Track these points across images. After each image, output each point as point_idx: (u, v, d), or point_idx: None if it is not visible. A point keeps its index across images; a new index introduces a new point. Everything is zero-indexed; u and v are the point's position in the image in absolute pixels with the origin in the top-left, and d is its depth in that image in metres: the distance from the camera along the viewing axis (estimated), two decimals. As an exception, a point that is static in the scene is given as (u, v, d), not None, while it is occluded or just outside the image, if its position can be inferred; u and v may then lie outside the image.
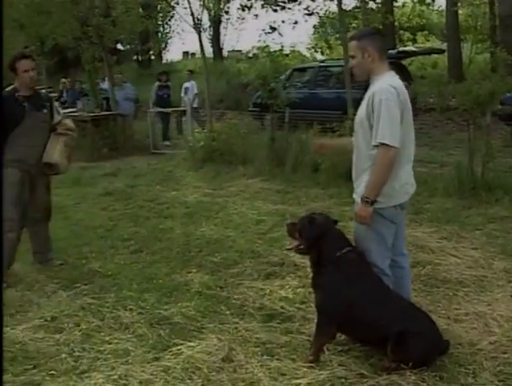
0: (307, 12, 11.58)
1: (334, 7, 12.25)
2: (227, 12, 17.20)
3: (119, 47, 30.28)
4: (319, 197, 8.43)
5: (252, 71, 23.46)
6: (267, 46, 11.16)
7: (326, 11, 11.93)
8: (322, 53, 35.70)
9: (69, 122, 6.08)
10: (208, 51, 15.16)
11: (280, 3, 11.69)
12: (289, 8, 11.79)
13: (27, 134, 5.57)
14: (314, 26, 39.77)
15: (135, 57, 35.48)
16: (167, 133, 15.68)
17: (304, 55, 33.32)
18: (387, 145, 3.60)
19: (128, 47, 33.11)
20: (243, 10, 12.90)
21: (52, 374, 3.86)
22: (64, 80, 18.85)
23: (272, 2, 11.67)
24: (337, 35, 39.12)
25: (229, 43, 55.61)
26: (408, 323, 3.64)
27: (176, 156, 12.75)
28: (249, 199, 8.52)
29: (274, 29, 11.99)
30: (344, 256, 3.83)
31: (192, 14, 12.10)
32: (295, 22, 12.08)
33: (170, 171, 11.35)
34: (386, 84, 3.72)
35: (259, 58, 31.02)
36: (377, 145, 3.64)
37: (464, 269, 5.38)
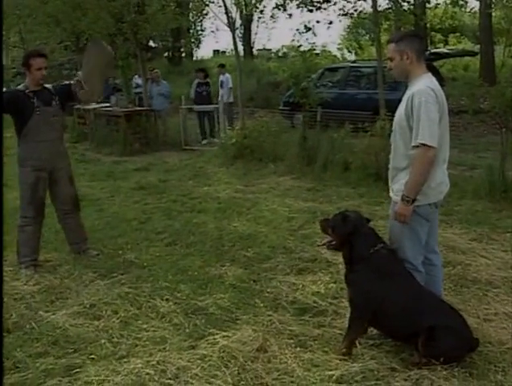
0: (342, 13, 11.61)
1: (367, 8, 12.23)
2: (262, 11, 17.13)
3: (150, 43, 30.50)
4: (349, 196, 8.49)
5: (282, 70, 23.54)
6: (300, 45, 11.24)
7: (360, 12, 11.92)
8: (356, 53, 35.68)
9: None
10: (239, 49, 15.07)
11: (316, 3, 11.73)
12: (324, 8, 11.85)
13: (38, 129, 5.70)
14: (348, 27, 39.79)
15: (166, 54, 35.71)
16: (203, 130, 15.49)
17: (334, 55, 33.35)
18: (427, 145, 3.70)
19: (159, 43, 33.38)
20: (278, 10, 12.95)
21: (92, 358, 4.02)
22: None
23: (308, 2, 11.73)
24: (367, 36, 39.24)
25: (259, 41, 55.66)
26: (439, 319, 3.73)
27: (207, 152, 12.89)
28: (280, 196, 8.63)
29: (309, 29, 12.04)
30: (376, 252, 3.93)
31: (227, 13, 12.23)
32: (330, 23, 12.15)
33: (201, 167, 11.48)
34: (425, 86, 3.82)
35: (289, 57, 31.14)
36: (417, 146, 3.74)
37: (494, 271, 5.43)
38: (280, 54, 39.81)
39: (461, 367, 3.67)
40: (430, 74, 4.03)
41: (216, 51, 43.67)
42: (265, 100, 20.46)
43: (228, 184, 9.71)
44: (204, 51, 62.80)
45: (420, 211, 3.92)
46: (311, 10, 12.42)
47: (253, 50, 36.53)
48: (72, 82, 6.02)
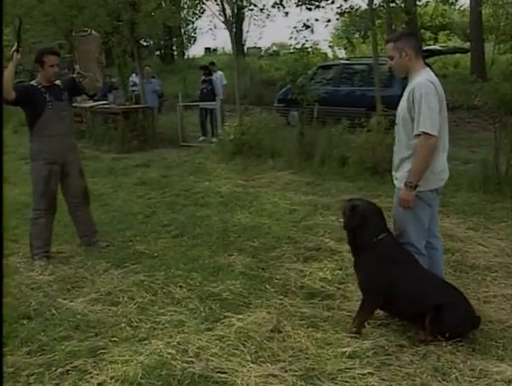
0: (340, 11, 11.75)
1: (362, 5, 12.36)
2: (262, 9, 17.14)
3: (142, 42, 30.46)
4: (348, 189, 8.69)
5: (274, 67, 23.69)
6: (298, 42, 11.46)
7: (356, 10, 12.06)
8: (352, 51, 35.89)
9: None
10: (230, 47, 15.09)
11: (313, 1, 11.91)
12: (322, 7, 12.04)
13: (50, 124, 5.93)
14: (345, 24, 40.04)
15: (158, 52, 35.73)
16: (203, 127, 15.54)
17: (325, 53, 33.56)
18: (428, 133, 3.97)
19: (151, 42, 33.41)
20: (278, 9, 13.14)
21: (114, 340, 4.21)
22: None
23: (307, 0, 11.93)
24: (358, 34, 39.48)
25: (249, 39, 55.70)
26: (444, 298, 3.98)
27: (205, 149, 13.08)
28: (280, 190, 8.85)
29: (307, 27, 12.18)
30: (383, 239, 4.17)
31: (224, 11, 12.40)
32: (329, 21, 12.36)
33: (200, 163, 11.66)
34: (425, 80, 4.10)
35: (280, 55, 31.29)
36: (419, 135, 4.00)
37: (491, 257, 5.69)
38: (271, 52, 40.06)
39: (465, 343, 3.92)
40: (428, 69, 4.32)
41: (207, 49, 43.78)
42: (258, 98, 20.67)
43: (228, 179, 9.91)
44: (195, 50, 62.79)
45: (423, 196, 4.19)
46: (309, 9, 12.60)
47: (244, 48, 36.62)
48: (73, 75, 6.27)
